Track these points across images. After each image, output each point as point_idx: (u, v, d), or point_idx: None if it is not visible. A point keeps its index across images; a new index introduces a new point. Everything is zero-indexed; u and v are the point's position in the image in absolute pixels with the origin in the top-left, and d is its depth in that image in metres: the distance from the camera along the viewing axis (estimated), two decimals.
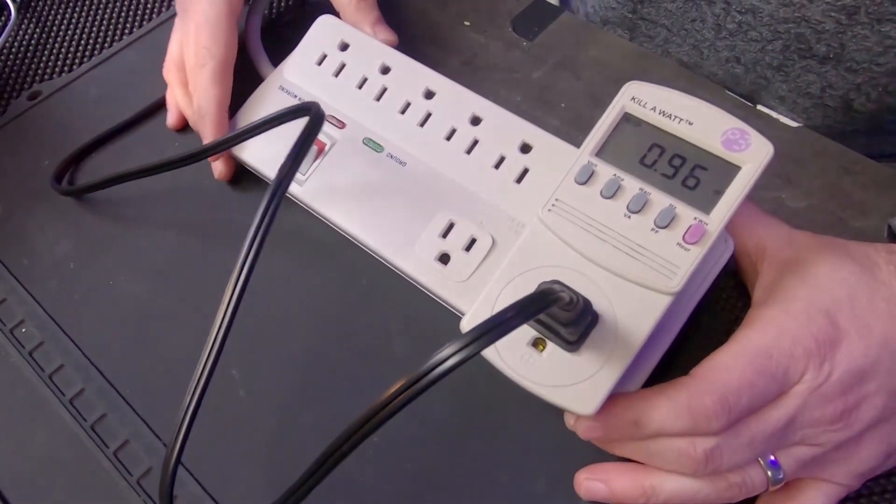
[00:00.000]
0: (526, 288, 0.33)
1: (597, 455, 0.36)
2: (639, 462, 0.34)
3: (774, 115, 0.45)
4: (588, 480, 0.35)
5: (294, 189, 0.43)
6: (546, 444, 0.37)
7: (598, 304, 0.32)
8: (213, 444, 0.37)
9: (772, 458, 0.32)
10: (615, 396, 0.32)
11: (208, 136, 0.44)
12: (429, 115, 0.42)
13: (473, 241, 0.38)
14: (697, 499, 0.33)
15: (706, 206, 0.31)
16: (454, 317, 0.37)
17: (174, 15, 0.56)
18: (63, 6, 0.59)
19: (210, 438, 0.34)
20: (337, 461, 0.29)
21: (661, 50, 0.54)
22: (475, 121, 0.41)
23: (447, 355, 0.25)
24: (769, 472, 0.32)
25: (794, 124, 0.44)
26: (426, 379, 0.25)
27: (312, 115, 0.38)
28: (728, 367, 0.31)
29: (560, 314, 0.30)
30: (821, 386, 0.31)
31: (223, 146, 0.42)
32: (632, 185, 0.32)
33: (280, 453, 0.38)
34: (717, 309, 0.40)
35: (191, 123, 0.47)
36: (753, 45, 0.48)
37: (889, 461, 0.33)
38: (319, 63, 0.45)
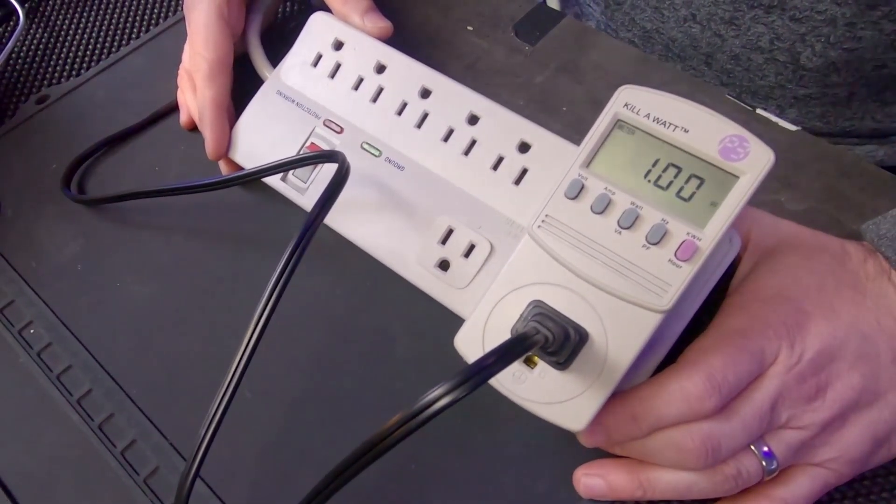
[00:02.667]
0: (517, 306, 0.33)
1: (598, 454, 0.36)
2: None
3: (773, 118, 0.45)
4: (586, 476, 0.36)
5: (296, 198, 0.43)
6: (548, 444, 0.37)
7: (589, 321, 0.32)
8: (219, 445, 0.37)
9: (765, 448, 0.33)
10: (611, 396, 0.32)
11: (206, 134, 0.45)
12: (426, 116, 0.41)
13: (472, 246, 0.38)
14: (693, 491, 0.33)
15: (700, 219, 0.31)
16: (457, 319, 0.38)
17: (180, 20, 0.57)
18: (71, 11, 0.60)
19: (217, 439, 0.34)
20: (326, 497, 0.29)
21: (627, 18, 0.56)
22: (472, 120, 0.40)
23: (436, 398, 0.26)
24: (763, 462, 0.33)
25: (792, 128, 0.45)
26: (418, 419, 0.26)
27: (339, 169, 0.38)
28: (710, 348, 0.33)
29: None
30: (795, 366, 0.32)
31: (241, 179, 0.42)
32: (623, 200, 0.31)
33: (285, 453, 0.39)
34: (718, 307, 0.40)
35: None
36: None
37: (880, 452, 0.34)
38: (315, 64, 0.45)
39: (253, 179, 0.42)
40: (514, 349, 0.29)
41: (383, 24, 0.45)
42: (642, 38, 0.58)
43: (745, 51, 0.51)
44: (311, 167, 0.42)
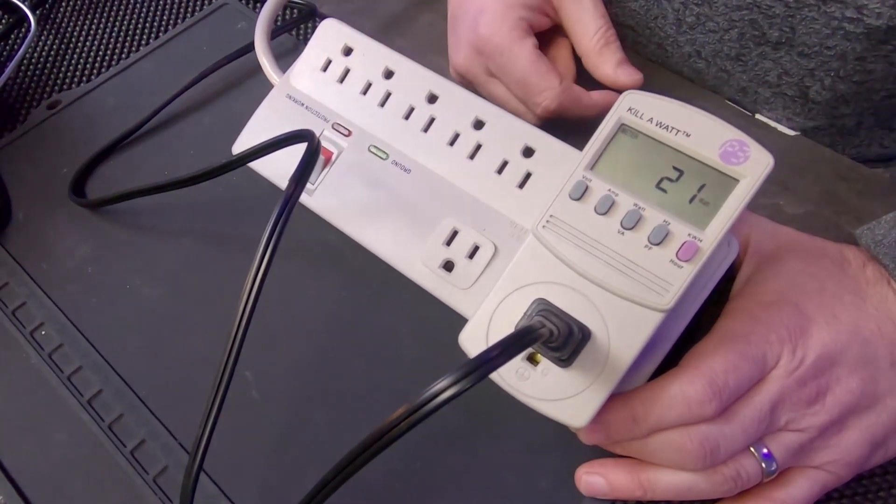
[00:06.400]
0: (521, 304, 0.33)
1: (600, 452, 0.36)
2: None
3: (773, 123, 0.46)
4: (587, 475, 0.36)
5: (304, 199, 0.43)
6: (550, 442, 0.38)
7: (591, 319, 0.32)
8: (227, 444, 0.38)
9: (765, 450, 0.33)
10: (612, 397, 0.33)
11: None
12: (432, 120, 0.42)
13: (476, 248, 0.39)
14: (693, 492, 0.34)
15: (701, 221, 0.31)
16: (462, 319, 0.38)
17: (189, 27, 0.58)
18: (81, 18, 0.61)
19: (224, 438, 0.35)
20: (334, 488, 0.30)
21: (629, 53, 0.56)
22: (478, 125, 0.41)
23: (441, 389, 0.27)
24: (763, 464, 0.33)
25: (791, 133, 0.45)
26: (423, 410, 0.27)
27: (309, 146, 0.38)
28: (712, 353, 0.33)
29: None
30: (796, 370, 0.33)
31: (225, 169, 0.42)
32: (626, 201, 0.32)
33: (292, 453, 0.39)
34: (718, 311, 0.40)
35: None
36: (712, 36, 0.50)
37: (877, 455, 0.34)
38: (324, 69, 0.45)
39: (236, 167, 0.42)
40: (518, 342, 0.30)
41: (637, 77, 0.46)
42: (677, 78, 0.57)
43: (752, 85, 0.51)
44: (318, 170, 0.43)
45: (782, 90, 0.49)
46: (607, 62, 0.46)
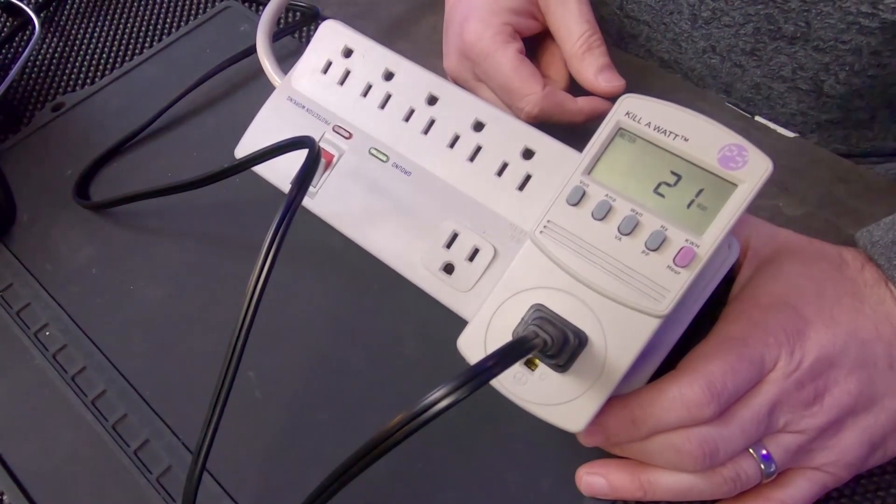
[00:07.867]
0: (518, 310, 0.33)
1: (601, 453, 0.37)
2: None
3: (772, 125, 0.46)
4: (588, 475, 0.36)
5: (306, 202, 0.43)
6: (551, 443, 0.38)
7: (588, 325, 0.32)
8: (230, 444, 0.38)
9: (763, 452, 0.33)
10: (611, 399, 0.33)
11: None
12: (432, 122, 0.42)
13: (476, 250, 0.39)
14: (693, 493, 0.34)
15: (699, 226, 0.31)
16: (462, 321, 0.38)
17: (192, 30, 0.58)
18: (85, 21, 0.61)
19: (227, 438, 0.35)
20: (329, 496, 0.30)
21: (643, 50, 0.55)
22: (478, 126, 0.41)
23: (437, 399, 0.27)
24: (762, 466, 0.33)
25: (790, 135, 0.45)
26: (418, 420, 0.27)
27: (310, 153, 0.39)
28: (710, 356, 0.33)
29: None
30: (794, 372, 0.33)
31: (229, 173, 0.42)
32: (623, 207, 0.32)
33: (295, 452, 0.39)
34: (718, 313, 0.40)
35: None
36: (727, 30, 0.49)
37: (877, 455, 0.35)
38: (325, 71, 0.45)
39: (238, 171, 0.42)
40: (513, 352, 0.30)
41: (618, 83, 0.45)
42: (659, 67, 0.57)
43: (766, 80, 0.50)
44: (319, 173, 0.43)
45: (797, 84, 0.49)
46: (589, 67, 0.45)
